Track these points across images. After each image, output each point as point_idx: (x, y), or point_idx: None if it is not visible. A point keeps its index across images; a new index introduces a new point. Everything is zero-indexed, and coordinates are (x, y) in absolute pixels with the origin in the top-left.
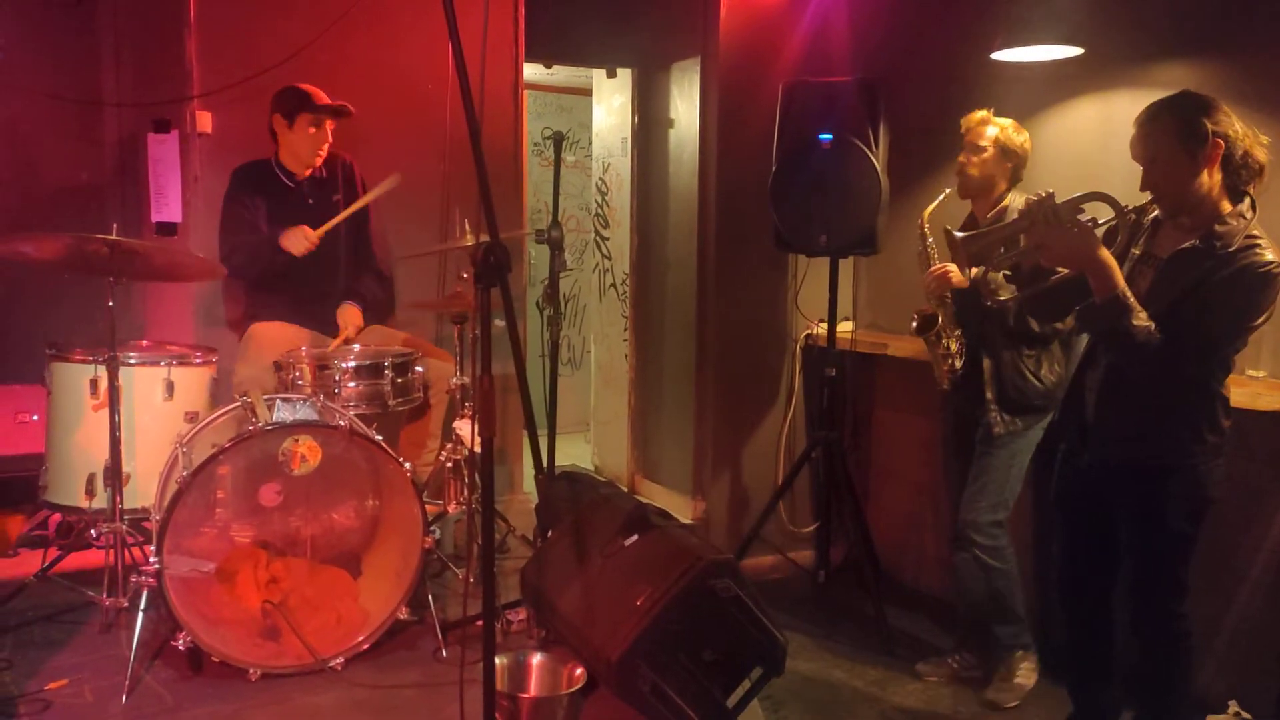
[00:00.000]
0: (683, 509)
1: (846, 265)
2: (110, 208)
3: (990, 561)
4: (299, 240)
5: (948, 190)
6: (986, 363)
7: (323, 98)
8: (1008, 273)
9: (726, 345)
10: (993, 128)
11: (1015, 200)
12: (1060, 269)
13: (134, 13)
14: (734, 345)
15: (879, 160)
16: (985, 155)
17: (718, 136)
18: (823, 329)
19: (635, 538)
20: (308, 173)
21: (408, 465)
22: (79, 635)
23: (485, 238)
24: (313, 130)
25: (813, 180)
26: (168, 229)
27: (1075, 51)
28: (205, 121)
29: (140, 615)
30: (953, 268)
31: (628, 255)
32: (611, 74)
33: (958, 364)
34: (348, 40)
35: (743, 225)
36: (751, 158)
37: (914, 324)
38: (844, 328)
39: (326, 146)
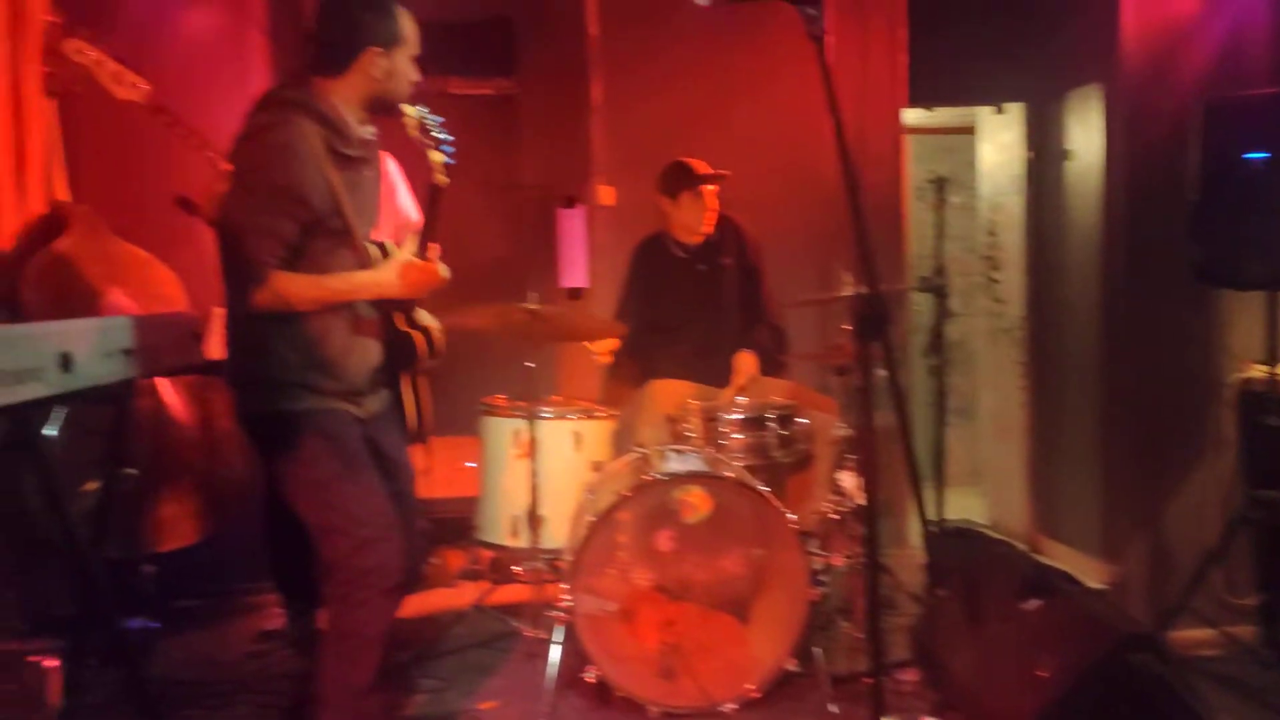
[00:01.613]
0: (1090, 572)
1: None
2: (528, 277)
3: None
4: None
5: None
6: None
7: (701, 168)
8: None
9: (1140, 391)
10: None
11: None
12: None
13: (548, 101)
14: (1149, 391)
15: None
16: None
17: (1125, 166)
18: (1262, 372)
19: (1036, 602)
20: (699, 239)
21: (793, 516)
22: (506, 662)
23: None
24: (696, 201)
25: (1242, 205)
26: (576, 294)
27: None
28: (608, 195)
29: (556, 647)
30: None
31: (1021, 297)
32: (999, 110)
33: None
34: (731, 105)
35: (1155, 259)
36: (1164, 186)
37: None
38: None
39: (713, 213)
